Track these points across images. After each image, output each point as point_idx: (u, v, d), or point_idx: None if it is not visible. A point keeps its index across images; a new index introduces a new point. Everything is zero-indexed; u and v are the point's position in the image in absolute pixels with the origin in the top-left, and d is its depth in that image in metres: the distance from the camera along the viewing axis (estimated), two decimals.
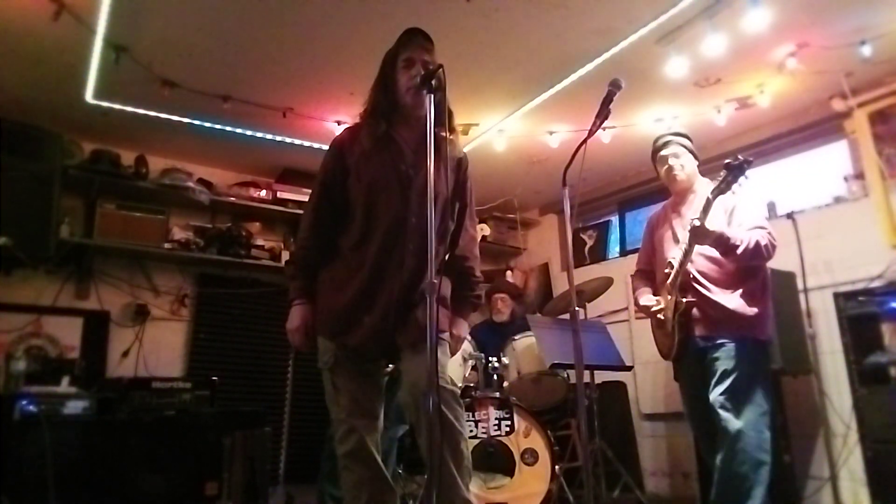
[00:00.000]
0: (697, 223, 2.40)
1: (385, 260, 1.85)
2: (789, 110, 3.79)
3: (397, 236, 1.85)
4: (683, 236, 2.54)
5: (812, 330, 3.54)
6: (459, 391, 1.95)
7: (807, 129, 3.87)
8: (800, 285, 3.57)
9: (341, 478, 1.86)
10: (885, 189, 3.39)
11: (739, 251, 2.41)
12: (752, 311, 2.50)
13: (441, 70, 1.76)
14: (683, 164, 2.72)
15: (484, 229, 5.15)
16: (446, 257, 2.04)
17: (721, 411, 2.42)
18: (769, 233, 2.50)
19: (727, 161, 2.29)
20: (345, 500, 1.87)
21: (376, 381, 1.95)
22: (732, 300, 2.50)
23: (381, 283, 1.84)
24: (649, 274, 2.88)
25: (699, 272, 2.56)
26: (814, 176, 3.95)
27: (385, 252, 1.85)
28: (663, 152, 2.75)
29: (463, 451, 1.80)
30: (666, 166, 2.74)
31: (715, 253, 2.50)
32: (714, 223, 2.44)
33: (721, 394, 2.44)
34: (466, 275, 2.06)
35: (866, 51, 3.08)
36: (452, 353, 2.06)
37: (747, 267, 2.52)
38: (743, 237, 2.44)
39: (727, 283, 2.53)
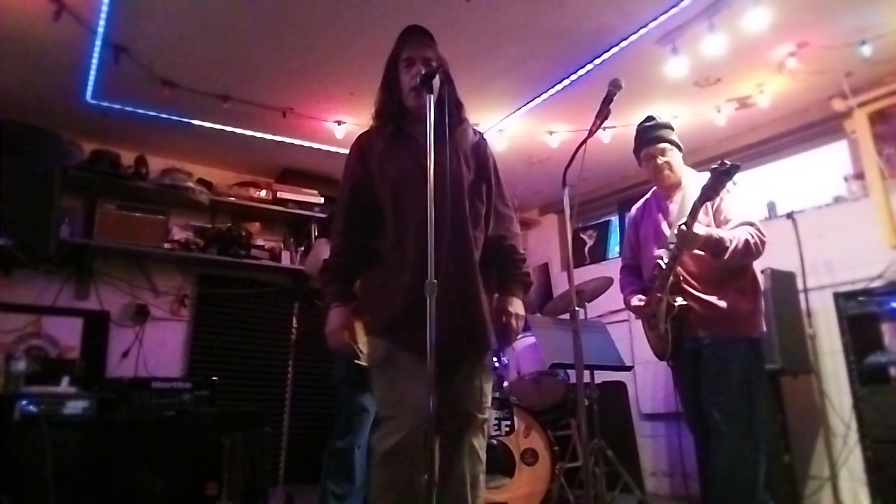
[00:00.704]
0: (685, 228, 2.32)
1: (424, 256, 1.78)
2: (789, 110, 3.79)
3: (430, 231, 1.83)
4: (670, 235, 2.51)
5: (812, 330, 3.54)
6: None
7: (807, 128, 3.87)
8: (800, 285, 3.57)
9: (373, 475, 1.82)
10: (885, 189, 3.39)
11: (728, 255, 2.35)
12: (744, 308, 2.47)
13: (441, 68, 1.77)
14: (670, 162, 2.65)
15: None
16: (480, 244, 1.97)
17: (714, 411, 2.39)
18: (757, 229, 2.43)
19: (714, 167, 2.22)
20: (371, 497, 1.82)
21: (423, 376, 1.92)
22: (723, 299, 2.46)
23: (426, 279, 1.77)
24: (635, 269, 2.85)
25: (688, 273, 2.52)
26: (814, 176, 3.95)
27: (422, 248, 1.78)
28: (649, 150, 2.68)
29: (481, 482, 1.82)
30: (653, 166, 2.67)
31: (703, 253, 2.45)
32: (701, 226, 2.36)
33: (714, 394, 2.41)
34: (509, 253, 2.01)
35: (866, 51, 3.08)
36: (516, 333, 2.00)
37: (736, 265, 2.47)
38: (731, 237, 2.37)
39: (717, 283, 2.48)
